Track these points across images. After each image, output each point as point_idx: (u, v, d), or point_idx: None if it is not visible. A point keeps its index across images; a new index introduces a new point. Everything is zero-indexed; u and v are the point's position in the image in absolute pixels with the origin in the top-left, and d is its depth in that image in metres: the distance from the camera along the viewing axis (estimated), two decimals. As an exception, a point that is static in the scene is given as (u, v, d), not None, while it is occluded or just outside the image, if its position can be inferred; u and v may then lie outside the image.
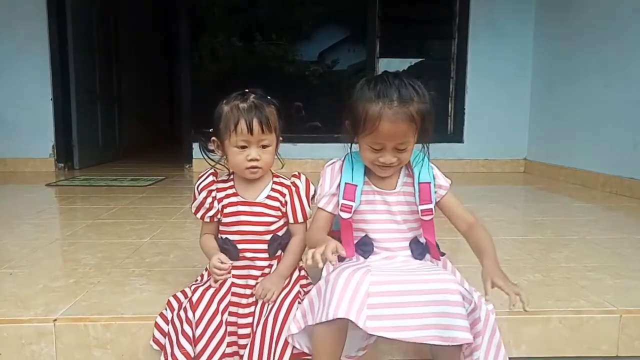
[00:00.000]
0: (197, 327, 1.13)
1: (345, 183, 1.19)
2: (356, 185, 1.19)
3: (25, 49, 4.21)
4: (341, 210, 1.19)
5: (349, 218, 1.20)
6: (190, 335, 1.13)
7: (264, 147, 1.23)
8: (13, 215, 2.47)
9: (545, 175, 4.06)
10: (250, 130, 1.19)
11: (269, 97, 1.26)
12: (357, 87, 1.15)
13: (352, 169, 1.20)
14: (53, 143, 4.35)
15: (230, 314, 1.20)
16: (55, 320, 1.22)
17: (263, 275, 1.26)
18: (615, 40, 3.25)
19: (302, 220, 1.30)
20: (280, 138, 1.28)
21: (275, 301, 1.18)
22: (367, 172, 1.22)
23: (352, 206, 1.18)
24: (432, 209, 1.20)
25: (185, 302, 1.19)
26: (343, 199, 1.19)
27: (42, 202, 2.95)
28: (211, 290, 1.19)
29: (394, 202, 1.21)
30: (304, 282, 1.28)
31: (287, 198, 1.29)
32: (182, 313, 1.17)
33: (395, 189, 1.21)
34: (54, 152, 4.36)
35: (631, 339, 1.30)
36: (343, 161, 1.23)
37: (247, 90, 1.25)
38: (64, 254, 1.83)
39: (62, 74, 4.31)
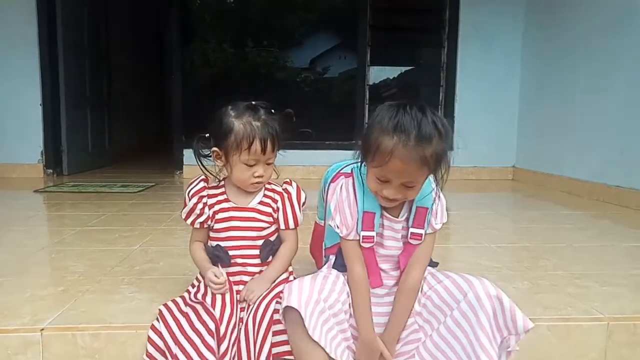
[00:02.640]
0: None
1: (364, 212, 1.12)
2: (374, 213, 1.12)
3: (14, 53, 4.16)
4: (363, 241, 1.13)
5: (371, 247, 1.14)
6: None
7: (268, 163, 1.25)
8: (0, 222, 2.44)
9: (533, 182, 4.10)
10: (263, 150, 1.21)
11: (273, 111, 1.26)
12: (378, 110, 1.06)
13: (364, 193, 1.12)
14: (42, 148, 4.29)
15: None
16: (42, 329, 1.21)
17: None
18: (602, 49, 3.31)
19: (294, 227, 1.32)
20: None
21: (255, 302, 1.19)
22: None
23: (372, 237, 1.13)
24: (422, 235, 1.14)
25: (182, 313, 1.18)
26: (362, 230, 1.11)
27: (30, 208, 2.91)
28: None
29: (400, 228, 1.16)
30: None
31: (279, 204, 1.31)
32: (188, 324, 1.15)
33: (398, 216, 1.15)
34: (42, 158, 4.31)
35: (619, 346, 1.31)
36: (354, 184, 1.14)
37: (254, 103, 1.25)
38: (52, 261, 1.81)
39: (52, 78, 4.27)
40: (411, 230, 1.13)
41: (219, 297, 1.19)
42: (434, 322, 1.15)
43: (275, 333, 1.13)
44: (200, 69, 4.89)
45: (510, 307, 1.06)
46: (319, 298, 1.06)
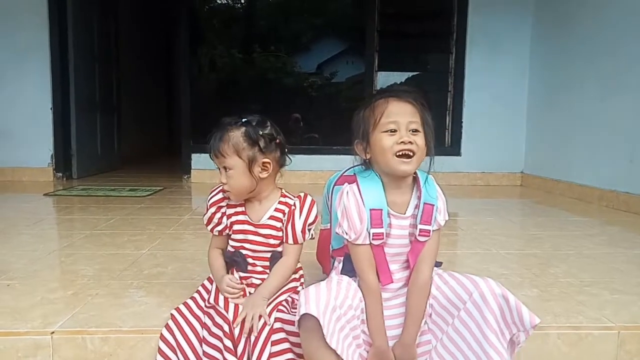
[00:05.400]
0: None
1: (370, 209, 1.13)
2: (381, 210, 1.14)
3: (26, 58, 4.22)
4: (373, 239, 1.14)
5: (381, 244, 1.15)
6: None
7: (225, 169, 1.25)
8: (10, 225, 2.46)
9: (541, 188, 4.07)
10: (215, 156, 1.25)
11: (247, 120, 1.24)
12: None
13: (369, 191, 1.15)
14: (52, 152, 4.35)
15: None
16: (52, 332, 1.22)
17: None
18: (611, 55, 3.29)
19: (293, 242, 1.29)
20: (266, 160, 1.24)
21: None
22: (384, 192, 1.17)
23: (382, 233, 1.14)
24: (429, 231, 1.16)
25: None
26: (372, 227, 1.13)
27: (40, 212, 2.94)
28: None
29: (407, 225, 1.17)
30: (289, 296, 1.27)
31: (286, 217, 1.30)
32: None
33: (405, 213, 1.17)
34: (52, 162, 4.35)
35: (630, 355, 1.30)
36: (358, 187, 1.16)
37: (241, 115, 1.27)
38: (62, 265, 1.82)
39: (62, 83, 4.33)
40: (420, 227, 1.16)
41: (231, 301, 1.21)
42: (442, 324, 1.16)
43: (274, 342, 1.11)
44: (208, 74, 4.92)
45: (515, 304, 1.07)
46: (336, 305, 1.06)
